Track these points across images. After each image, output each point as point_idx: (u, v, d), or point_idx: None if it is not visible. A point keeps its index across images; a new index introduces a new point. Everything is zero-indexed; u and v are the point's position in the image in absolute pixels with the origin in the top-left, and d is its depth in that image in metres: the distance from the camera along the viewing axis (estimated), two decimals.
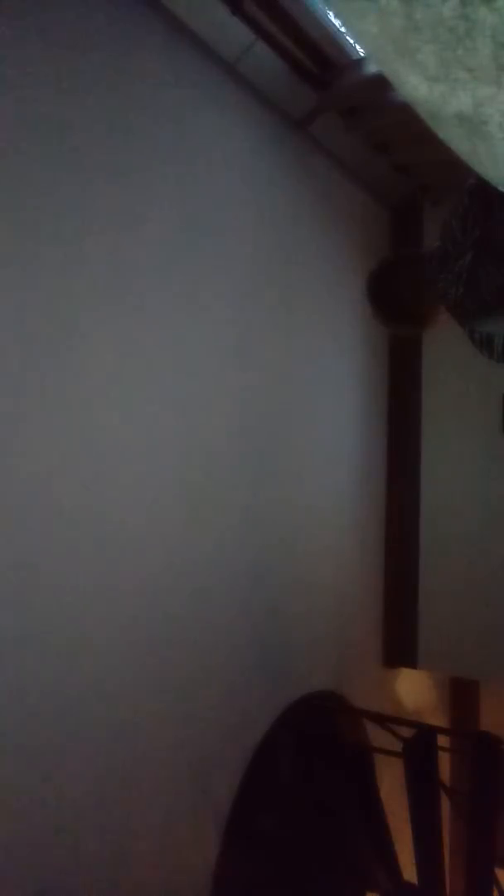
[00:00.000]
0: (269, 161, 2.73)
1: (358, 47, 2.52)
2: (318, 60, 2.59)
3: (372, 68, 2.56)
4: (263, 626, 2.60)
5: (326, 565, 3.01)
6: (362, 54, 2.56)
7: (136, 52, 2.11)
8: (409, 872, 2.53)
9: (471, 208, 1.56)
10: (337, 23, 2.42)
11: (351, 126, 2.91)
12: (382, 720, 2.83)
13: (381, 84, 2.52)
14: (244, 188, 2.60)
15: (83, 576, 1.88)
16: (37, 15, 1.79)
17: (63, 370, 1.85)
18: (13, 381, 1.71)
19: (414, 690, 3.67)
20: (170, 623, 2.16)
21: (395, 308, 1.78)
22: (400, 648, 3.42)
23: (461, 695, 4.04)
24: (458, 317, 1.68)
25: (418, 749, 2.58)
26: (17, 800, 1.67)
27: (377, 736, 2.89)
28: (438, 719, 3.81)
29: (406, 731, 2.67)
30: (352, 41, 2.51)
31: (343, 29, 2.43)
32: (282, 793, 2.57)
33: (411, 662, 3.43)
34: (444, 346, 3.35)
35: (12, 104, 1.73)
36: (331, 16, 2.40)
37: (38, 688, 1.74)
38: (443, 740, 2.82)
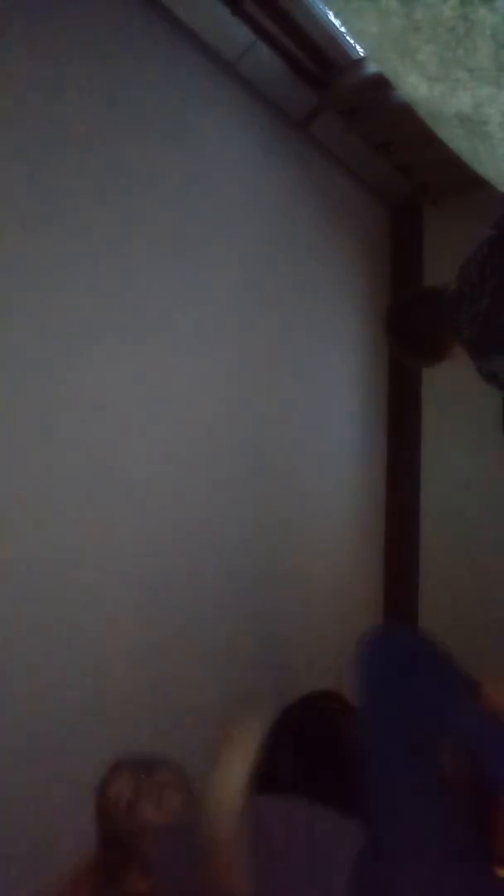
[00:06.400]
0: (268, 161, 2.73)
1: (358, 47, 2.52)
2: (318, 60, 2.59)
3: (372, 68, 2.56)
4: (262, 625, 2.60)
5: (326, 564, 3.01)
6: (362, 54, 2.56)
7: (135, 52, 2.11)
8: None
9: (489, 258, 1.68)
10: (337, 23, 2.42)
11: (351, 126, 2.91)
12: None
13: (381, 84, 2.52)
14: (244, 188, 2.60)
15: (78, 573, 1.88)
16: (34, 14, 1.79)
17: (62, 362, 1.86)
18: (13, 366, 1.72)
19: None
20: (167, 623, 2.16)
21: (413, 341, 1.95)
22: None
23: None
24: (470, 352, 1.84)
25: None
26: (17, 800, 1.68)
27: None
28: None
29: None
30: (352, 41, 2.51)
31: (343, 29, 2.43)
32: (282, 793, 2.56)
33: None
34: None
35: (9, 104, 1.73)
36: (331, 16, 2.40)
37: (34, 687, 1.75)
38: None
